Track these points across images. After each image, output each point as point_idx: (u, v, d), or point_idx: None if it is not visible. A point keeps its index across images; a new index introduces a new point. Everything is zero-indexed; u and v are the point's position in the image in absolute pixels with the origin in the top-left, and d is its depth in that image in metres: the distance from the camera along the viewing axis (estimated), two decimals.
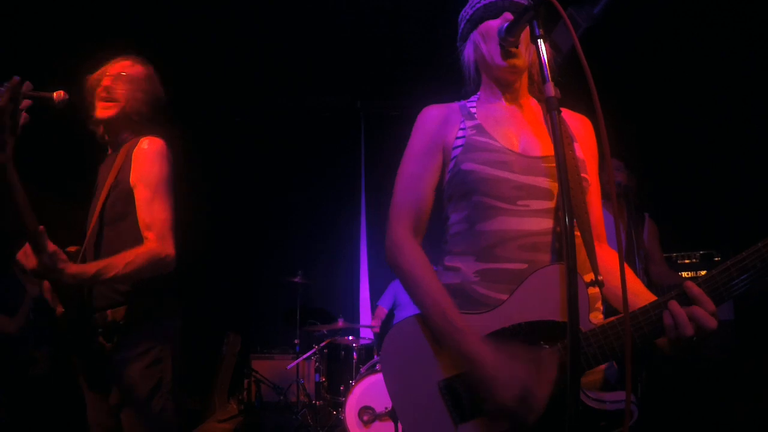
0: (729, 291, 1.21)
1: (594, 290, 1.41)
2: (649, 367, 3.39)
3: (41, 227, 1.65)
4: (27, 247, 1.72)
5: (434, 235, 1.59)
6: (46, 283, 1.94)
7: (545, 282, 1.33)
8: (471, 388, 1.31)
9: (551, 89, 1.19)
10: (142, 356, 1.95)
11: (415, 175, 1.55)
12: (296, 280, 5.47)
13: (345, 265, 6.86)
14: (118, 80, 2.15)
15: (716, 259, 4.18)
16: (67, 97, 2.02)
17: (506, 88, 1.59)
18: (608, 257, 1.56)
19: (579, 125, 1.61)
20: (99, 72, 2.19)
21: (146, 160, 2.02)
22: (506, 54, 1.50)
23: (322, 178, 6.72)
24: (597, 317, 1.42)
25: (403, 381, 1.41)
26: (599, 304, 1.44)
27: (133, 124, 2.16)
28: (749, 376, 3.91)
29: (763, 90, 4.26)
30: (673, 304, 1.22)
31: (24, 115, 1.59)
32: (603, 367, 1.37)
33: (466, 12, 1.64)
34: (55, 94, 1.99)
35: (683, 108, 4.98)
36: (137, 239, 1.94)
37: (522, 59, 1.52)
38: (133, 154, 2.04)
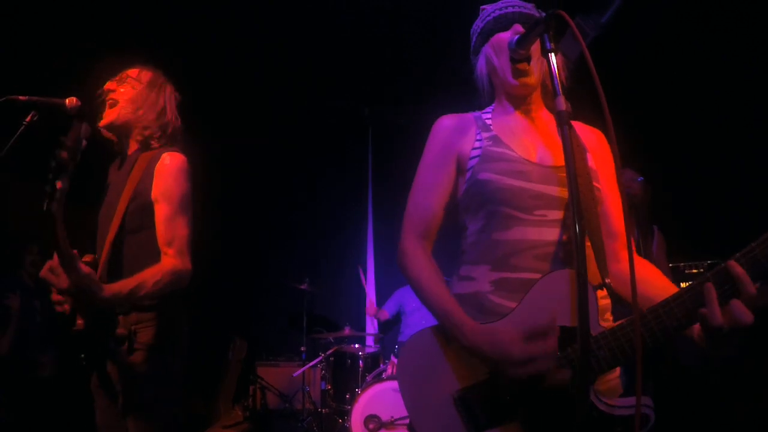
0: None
1: (605, 301, 1.41)
2: (656, 378, 3.38)
3: (75, 252, 1.66)
4: (54, 265, 1.72)
5: (450, 245, 1.60)
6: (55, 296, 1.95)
7: (553, 287, 1.33)
8: (485, 396, 1.33)
9: (562, 103, 1.19)
10: (150, 361, 1.96)
11: (428, 186, 1.57)
12: (303, 287, 5.48)
13: (352, 273, 6.86)
14: (121, 83, 2.16)
15: None
16: (79, 104, 2.04)
17: (520, 102, 1.61)
18: (640, 267, 1.52)
19: (592, 137, 1.62)
20: (109, 82, 2.20)
21: (169, 176, 2.03)
22: (517, 73, 1.52)
23: (330, 185, 6.73)
24: (607, 323, 1.42)
25: (418, 392, 1.42)
26: (608, 315, 1.44)
27: (138, 128, 2.15)
28: (750, 376, 3.89)
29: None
30: (709, 289, 1.19)
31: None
32: (617, 373, 1.38)
33: (477, 25, 1.65)
34: (67, 101, 2.02)
35: (691, 114, 4.97)
36: (155, 252, 1.96)
37: (533, 77, 1.53)
38: (156, 168, 2.04)
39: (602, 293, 1.40)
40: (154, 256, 1.96)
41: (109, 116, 2.13)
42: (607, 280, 1.36)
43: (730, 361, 3.31)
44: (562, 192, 1.43)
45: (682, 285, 4.15)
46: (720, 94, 4.66)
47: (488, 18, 1.60)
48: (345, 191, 6.87)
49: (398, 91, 6.03)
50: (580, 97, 1.48)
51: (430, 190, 1.57)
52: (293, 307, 5.70)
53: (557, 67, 1.22)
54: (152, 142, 2.15)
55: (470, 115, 1.64)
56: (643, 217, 3.48)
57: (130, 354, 1.94)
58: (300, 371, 5.30)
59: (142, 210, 2.02)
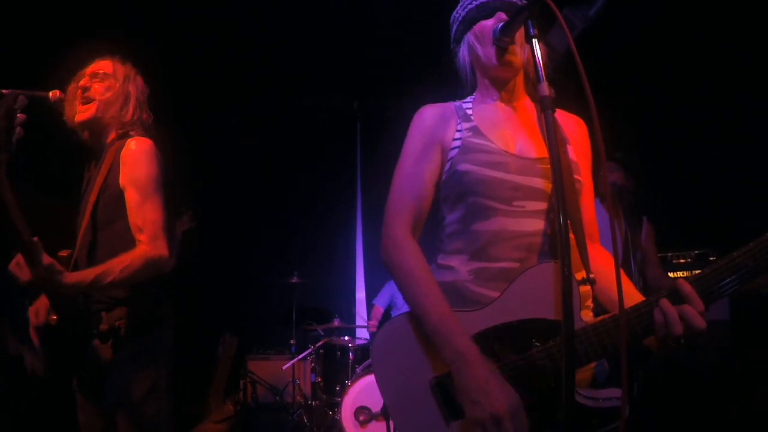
0: (720, 291, 1.22)
1: (585, 288, 1.42)
2: (646, 367, 3.40)
3: (35, 239, 1.63)
4: (19, 258, 1.70)
5: (427, 234, 1.59)
6: (40, 303, 1.94)
7: (536, 280, 1.34)
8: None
9: (545, 89, 1.20)
10: (137, 358, 1.94)
11: (413, 174, 1.54)
12: (292, 280, 5.47)
13: (341, 266, 6.86)
14: (94, 79, 2.11)
15: (711, 258, 4.19)
16: (63, 96, 2.02)
17: (502, 88, 1.59)
18: (600, 257, 1.56)
19: (573, 126, 1.62)
20: (79, 74, 2.15)
21: (135, 161, 1.98)
22: (502, 52, 1.50)
23: (319, 179, 6.71)
24: (587, 315, 1.44)
25: (394, 378, 1.41)
26: (589, 302, 1.45)
27: (115, 124, 2.11)
28: (744, 376, 3.93)
29: (760, 88, 4.28)
30: (664, 302, 1.23)
31: (18, 130, 1.57)
32: (593, 365, 1.37)
33: (458, 13, 1.63)
34: (50, 93, 2.00)
35: (679, 107, 4.99)
36: (130, 242, 1.92)
37: (518, 57, 1.52)
38: (121, 155, 2.00)
39: (587, 288, 1.41)
40: (131, 244, 1.91)
41: (84, 112, 2.08)
42: (591, 276, 1.35)
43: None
44: (542, 183, 1.44)
45: (671, 275, 4.20)
46: (709, 84, 4.69)
47: (470, 6, 1.58)
48: (334, 184, 6.85)
49: (386, 85, 6.00)
50: (566, 89, 1.49)
51: (415, 178, 1.54)
52: (283, 301, 5.69)
53: (541, 53, 1.23)
54: (126, 133, 2.10)
55: (451, 105, 1.63)
56: (630, 206, 3.49)
57: (114, 350, 1.91)
58: (290, 364, 5.29)
59: (113, 201, 1.98)
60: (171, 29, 4.67)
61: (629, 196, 3.49)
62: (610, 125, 1.48)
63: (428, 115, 1.60)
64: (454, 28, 1.65)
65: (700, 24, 4.34)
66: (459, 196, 1.48)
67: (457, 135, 1.54)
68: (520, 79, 1.60)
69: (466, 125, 1.54)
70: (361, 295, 6.80)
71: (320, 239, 6.69)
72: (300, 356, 5.27)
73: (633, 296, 1.39)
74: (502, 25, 1.44)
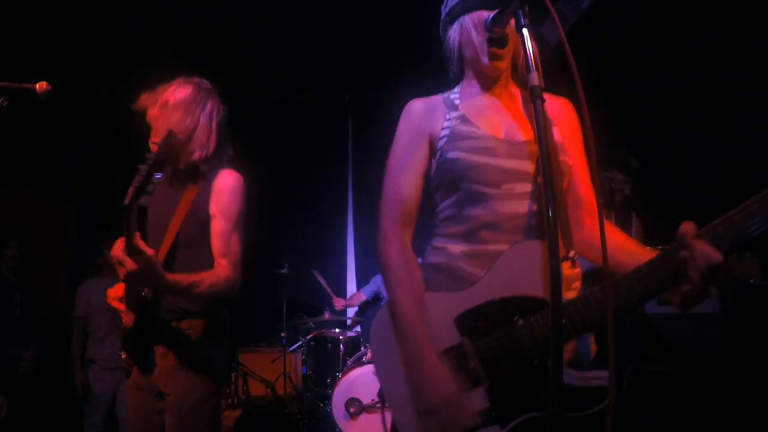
0: (739, 233, 1.22)
1: (574, 271, 1.42)
2: (635, 361, 3.43)
3: (137, 233, 1.71)
4: (118, 253, 1.75)
5: (422, 223, 1.62)
6: (113, 292, 2.06)
7: (520, 257, 1.39)
8: (452, 362, 1.38)
9: (536, 78, 1.20)
10: (199, 364, 2.04)
11: (403, 168, 1.59)
12: (283, 272, 5.46)
13: (332, 258, 6.85)
14: (164, 109, 2.11)
15: None
16: (50, 88, 2.00)
17: (489, 78, 1.62)
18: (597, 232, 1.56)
19: (559, 107, 1.64)
20: (146, 96, 2.16)
21: (227, 194, 2.12)
22: (493, 56, 1.53)
23: (310, 172, 6.69)
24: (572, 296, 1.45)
25: (388, 360, 1.47)
26: (577, 284, 1.45)
27: (185, 153, 2.12)
28: (735, 367, 3.97)
29: (752, 84, 4.30)
30: (688, 240, 1.24)
31: None
32: (573, 346, 1.41)
33: (448, 3, 1.62)
34: (37, 85, 1.98)
35: (670, 101, 5.01)
36: (208, 264, 2.03)
37: (506, 61, 1.56)
38: (213, 186, 2.12)
39: (568, 264, 1.42)
40: (209, 267, 2.02)
41: (156, 138, 2.11)
42: (572, 253, 1.41)
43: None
44: (529, 166, 1.48)
45: None
46: (700, 81, 4.71)
47: None
48: (325, 177, 6.83)
49: (377, 78, 5.99)
50: (556, 81, 1.49)
51: (405, 172, 1.58)
52: (274, 293, 5.68)
53: (531, 43, 1.23)
54: (198, 164, 2.14)
55: (439, 97, 1.66)
56: (622, 204, 3.53)
57: (179, 357, 2.02)
58: (280, 356, 5.29)
59: (200, 224, 2.09)
60: (160, 22, 4.63)
61: (622, 196, 3.54)
62: (600, 116, 1.48)
63: (416, 109, 1.64)
64: (447, 5, 1.62)
65: (690, 18, 4.35)
66: (451, 182, 1.52)
67: (446, 124, 1.57)
68: (507, 70, 1.62)
69: (454, 114, 1.58)
70: (351, 287, 6.80)
71: (311, 232, 6.67)
72: (291, 348, 5.27)
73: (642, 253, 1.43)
74: (493, 16, 1.43)
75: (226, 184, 2.15)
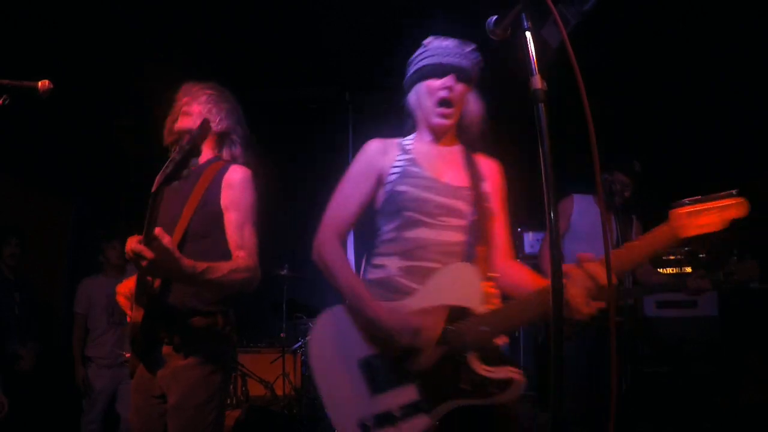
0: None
1: (493, 290, 1.72)
2: (633, 362, 3.43)
3: (158, 228, 1.69)
4: (133, 245, 1.72)
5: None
6: (123, 288, 2.06)
7: (450, 275, 1.71)
8: (384, 361, 1.69)
9: (538, 82, 1.21)
10: (205, 364, 2.04)
11: (348, 195, 1.94)
12: (283, 272, 5.46)
13: None
14: (196, 97, 2.31)
15: (701, 255, 4.24)
16: (51, 86, 2.00)
17: (437, 133, 1.96)
18: (513, 266, 1.88)
19: (489, 166, 1.98)
20: (182, 91, 2.36)
21: (237, 186, 2.19)
22: (440, 116, 1.88)
23: (309, 170, 6.68)
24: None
25: (327, 359, 1.77)
26: (495, 300, 1.72)
27: (212, 140, 2.31)
28: (733, 369, 3.97)
29: (752, 86, 4.30)
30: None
31: None
32: (499, 344, 1.71)
33: (416, 62, 1.96)
34: (39, 83, 1.98)
35: (669, 101, 5.02)
36: (219, 257, 2.02)
37: (452, 120, 1.92)
38: (224, 179, 2.19)
39: (491, 284, 1.73)
40: (223, 258, 2.02)
41: (184, 122, 2.24)
42: (491, 274, 1.77)
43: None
44: (462, 205, 1.84)
45: (660, 271, 4.23)
46: (701, 84, 4.71)
47: (427, 61, 1.90)
48: (325, 175, 6.79)
49: (378, 76, 5.98)
50: (557, 81, 1.48)
51: (349, 198, 1.93)
52: (273, 293, 5.67)
53: (533, 46, 1.25)
54: (222, 153, 2.32)
55: (396, 140, 2.00)
56: (623, 206, 3.55)
57: (186, 355, 2.02)
58: (279, 357, 5.29)
59: (211, 217, 2.13)
60: (164, 21, 4.62)
61: (622, 198, 3.56)
62: (600, 122, 1.48)
63: (372, 148, 1.98)
64: (410, 70, 1.99)
65: (690, 19, 4.35)
66: (395, 210, 1.85)
67: (398, 163, 1.91)
68: (452, 128, 1.96)
69: (405, 156, 1.92)
70: None
71: (311, 231, 6.66)
72: (290, 348, 5.27)
73: (529, 280, 1.78)
74: (495, 19, 1.45)
75: (236, 177, 2.20)
